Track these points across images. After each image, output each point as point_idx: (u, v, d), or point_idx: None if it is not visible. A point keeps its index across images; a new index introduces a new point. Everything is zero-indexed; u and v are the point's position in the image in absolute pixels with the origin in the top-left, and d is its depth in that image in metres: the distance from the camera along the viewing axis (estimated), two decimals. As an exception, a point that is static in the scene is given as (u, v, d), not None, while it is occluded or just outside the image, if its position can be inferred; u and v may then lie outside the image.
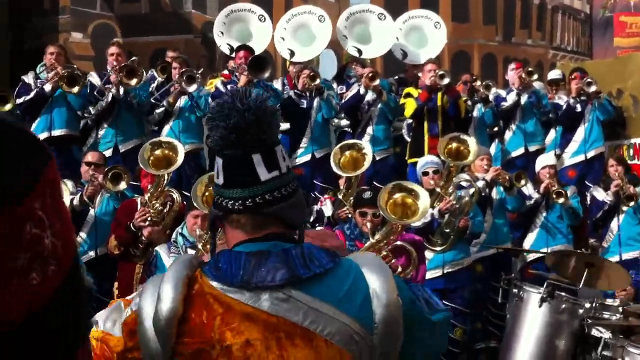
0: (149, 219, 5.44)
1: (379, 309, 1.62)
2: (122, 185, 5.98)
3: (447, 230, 6.22)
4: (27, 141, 0.95)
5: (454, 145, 6.46)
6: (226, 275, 1.62)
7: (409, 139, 8.25)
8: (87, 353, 1.04)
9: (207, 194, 4.68)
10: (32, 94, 7.26)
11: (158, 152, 5.62)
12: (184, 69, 7.41)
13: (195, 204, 4.61)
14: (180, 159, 5.57)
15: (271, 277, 1.61)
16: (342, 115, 8.32)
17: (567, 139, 8.52)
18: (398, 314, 1.64)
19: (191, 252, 4.66)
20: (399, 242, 4.63)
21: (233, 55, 8.20)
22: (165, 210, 5.55)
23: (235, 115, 1.64)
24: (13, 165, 0.91)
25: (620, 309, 4.34)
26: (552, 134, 8.66)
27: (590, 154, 8.42)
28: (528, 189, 7.16)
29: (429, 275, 5.66)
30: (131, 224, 5.47)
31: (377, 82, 7.83)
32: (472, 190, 6.35)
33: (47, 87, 7.21)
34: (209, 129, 1.71)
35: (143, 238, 5.43)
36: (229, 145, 1.67)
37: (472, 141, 6.51)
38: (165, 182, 5.56)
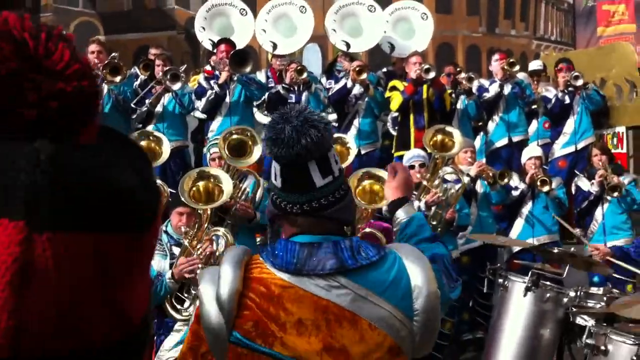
0: None
1: (420, 300, 1.80)
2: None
3: (434, 223, 6.22)
4: (149, 166, 1.05)
5: (439, 137, 6.49)
6: (282, 262, 1.81)
7: (394, 133, 8.26)
8: None
9: (194, 189, 4.68)
10: None
11: (143, 143, 5.59)
12: (168, 67, 7.38)
13: (182, 199, 4.60)
14: (165, 153, 5.54)
15: (321, 266, 1.79)
16: (330, 110, 8.32)
17: (558, 131, 8.56)
18: (437, 304, 1.82)
19: (176, 249, 4.65)
20: (368, 230, 4.70)
21: (215, 50, 8.17)
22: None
23: (292, 127, 1.79)
24: (152, 191, 1.01)
25: (605, 297, 4.36)
26: (534, 125, 8.69)
27: (581, 145, 8.47)
28: (514, 180, 7.18)
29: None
30: None
31: (364, 75, 7.82)
32: (458, 185, 6.37)
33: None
34: (267, 137, 1.84)
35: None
36: (286, 154, 1.80)
37: (457, 133, 6.53)
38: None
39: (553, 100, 8.40)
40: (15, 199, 0.86)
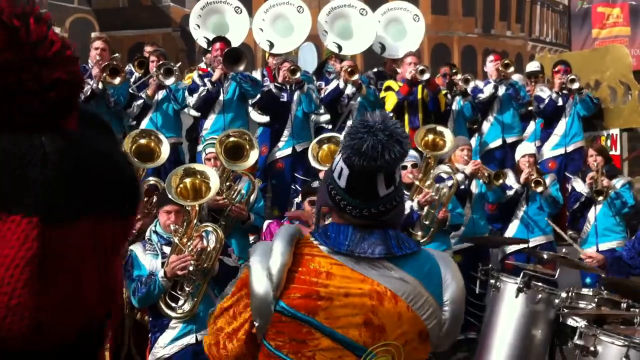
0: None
1: (449, 291, 1.96)
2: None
3: (427, 223, 6.24)
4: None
5: (431, 137, 6.51)
6: (334, 242, 1.95)
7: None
8: None
9: (181, 186, 4.67)
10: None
11: (143, 141, 5.56)
12: (161, 62, 7.36)
13: (169, 196, 4.60)
14: (165, 155, 5.50)
15: (371, 250, 1.93)
16: (322, 110, 8.32)
17: (548, 133, 8.58)
18: (463, 297, 1.98)
19: (167, 249, 4.64)
20: None
21: (210, 48, 8.16)
22: (149, 199, 5.50)
23: (378, 140, 1.86)
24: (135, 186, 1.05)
25: (596, 298, 4.38)
26: (531, 126, 8.71)
27: (570, 148, 8.50)
28: (509, 179, 7.20)
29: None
30: None
31: (356, 76, 7.83)
32: (450, 182, 6.38)
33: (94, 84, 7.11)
34: (349, 145, 1.89)
35: (133, 231, 5.36)
36: (367, 166, 1.88)
37: (447, 132, 6.56)
38: (144, 172, 5.51)
39: (546, 101, 8.42)
40: (27, 194, 0.86)
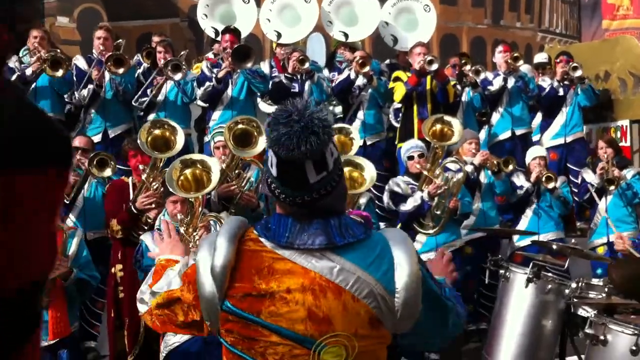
0: (153, 202, 5.34)
1: (402, 277, 1.89)
2: (108, 172, 5.93)
3: (438, 213, 6.23)
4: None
5: (438, 126, 6.49)
6: (274, 235, 1.93)
7: (396, 124, 8.24)
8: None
9: (182, 178, 4.66)
10: (13, 78, 7.20)
11: (158, 131, 5.53)
12: (169, 59, 7.36)
13: (170, 189, 4.59)
14: (180, 144, 5.46)
15: (311, 241, 1.91)
16: (335, 101, 8.30)
17: (548, 122, 8.55)
18: (418, 283, 1.91)
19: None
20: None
21: (219, 38, 8.15)
22: (163, 190, 5.47)
23: (293, 132, 1.86)
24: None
25: (606, 288, 4.36)
26: (538, 118, 8.68)
27: (570, 138, 8.47)
28: (519, 179, 7.16)
29: (424, 258, 5.65)
30: (132, 207, 5.39)
31: (367, 68, 7.80)
32: (460, 175, 6.36)
33: (29, 71, 7.15)
34: (269, 130, 1.91)
35: (149, 219, 5.34)
36: (285, 150, 1.87)
37: (455, 122, 6.53)
38: (162, 162, 5.48)
39: (547, 89, 8.39)
40: None
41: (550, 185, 6.94)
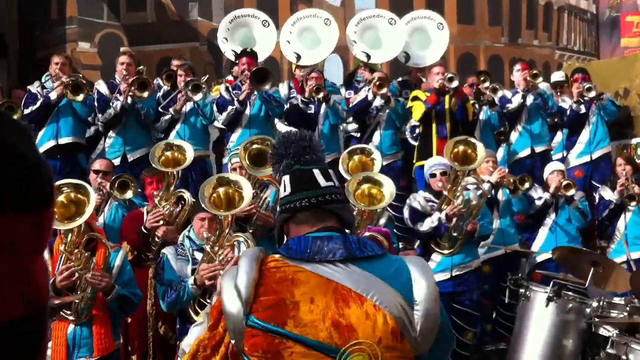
0: (161, 219, 5.44)
1: (420, 291, 1.97)
2: (129, 194, 6.01)
3: (455, 234, 6.17)
4: (47, 168, 0.98)
5: (461, 148, 6.37)
6: (296, 252, 2.03)
7: (413, 142, 8.24)
8: None
9: (214, 195, 4.70)
10: (38, 104, 7.32)
11: (168, 153, 5.65)
12: (189, 78, 7.45)
13: (202, 205, 4.62)
14: (189, 158, 5.60)
15: (332, 254, 2.01)
16: (350, 120, 8.34)
17: (573, 141, 8.51)
18: (436, 297, 1.99)
19: (198, 255, 4.68)
20: (368, 233, 4.86)
21: (237, 61, 8.24)
22: (176, 210, 5.56)
23: (297, 143, 2.16)
24: (44, 180, 0.95)
25: (627, 307, 4.31)
26: (559, 136, 8.64)
27: (596, 155, 8.41)
28: (537, 192, 7.13)
29: (437, 278, 5.64)
30: (143, 227, 5.46)
31: (385, 90, 7.85)
32: (479, 192, 6.32)
33: (53, 96, 7.28)
34: (276, 157, 2.20)
35: (157, 239, 5.43)
36: (294, 165, 2.15)
37: (480, 145, 6.39)
38: (174, 182, 5.57)
39: (568, 111, 8.37)
40: None
41: (570, 193, 6.89)
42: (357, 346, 1.93)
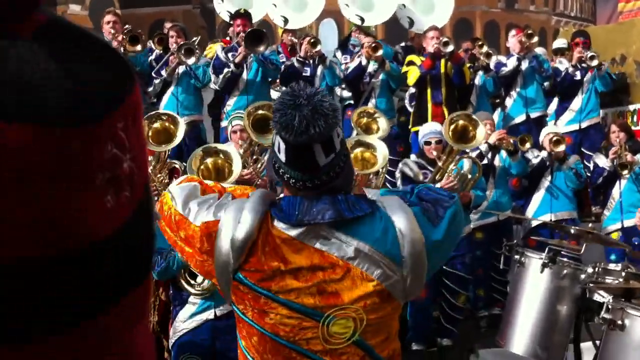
0: (155, 192, 5.37)
1: (406, 246, 1.95)
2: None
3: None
4: (114, 60, 0.90)
5: (461, 122, 6.09)
6: (285, 216, 1.97)
7: (411, 109, 8.19)
8: (145, 293, 0.95)
9: (202, 167, 4.63)
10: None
11: (157, 124, 5.51)
12: (182, 42, 7.34)
13: None
14: (180, 134, 5.45)
15: (321, 216, 1.95)
16: (343, 85, 8.26)
17: (564, 107, 8.47)
18: (422, 248, 1.97)
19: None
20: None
21: (232, 22, 8.13)
22: (168, 182, 5.50)
23: (302, 115, 1.88)
24: (95, 83, 0.86)
25: (623, 273, 4.31)
26: (554, 103, 8.61)
27: (585, 124, 8.40)
28: (533, 152, 7.10)
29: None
30: None
31: (379, 52, 7.75)
32: (467, 164, 6.03)
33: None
34: (275, 120, 1.93)
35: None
36: (295, 134, 1.90)
37: (481, 127, 6.04)
38: (166, 154, 5.48)
39: (563, 73, 8.31)
40: None
41: (559, 149, 6.86)
42: (341, 311, 1.95)
